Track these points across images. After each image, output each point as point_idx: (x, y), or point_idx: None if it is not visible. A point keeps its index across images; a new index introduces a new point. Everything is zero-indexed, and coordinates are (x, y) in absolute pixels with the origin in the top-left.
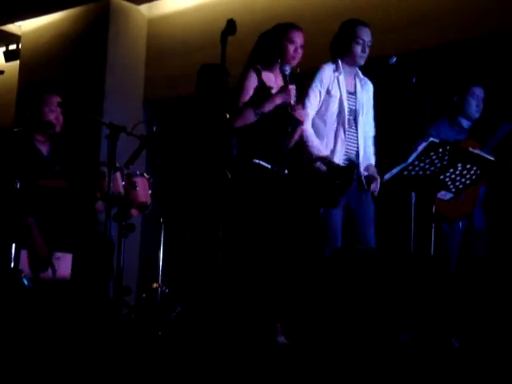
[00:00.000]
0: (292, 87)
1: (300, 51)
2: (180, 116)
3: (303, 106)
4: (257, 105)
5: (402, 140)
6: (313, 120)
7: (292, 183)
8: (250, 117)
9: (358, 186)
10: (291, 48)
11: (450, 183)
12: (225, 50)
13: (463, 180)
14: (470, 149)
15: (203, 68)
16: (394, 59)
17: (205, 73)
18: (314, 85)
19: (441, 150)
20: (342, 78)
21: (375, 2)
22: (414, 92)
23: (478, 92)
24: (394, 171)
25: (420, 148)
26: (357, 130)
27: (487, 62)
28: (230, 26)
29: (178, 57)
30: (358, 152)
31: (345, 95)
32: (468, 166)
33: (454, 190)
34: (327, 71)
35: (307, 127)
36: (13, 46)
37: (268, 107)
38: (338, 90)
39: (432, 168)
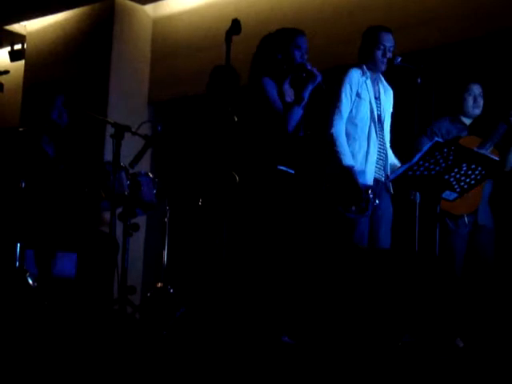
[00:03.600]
0: (315, 69)
1: (306, 57)
2: (189, 116)
3: (337, 111)
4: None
5: (407, 140)
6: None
7: (316, 186)
8: (299, 111)
9: (382, 187)
10: (298, 55)
11: (454, 183)
12: (229, 49)
13: (468, 180)
14: (475, 149)
15: (215, 69)
16: (399, 59)
17: (216, 74)
18: (344, 89)
19: (445, 149)
20: (369, 82)
21: (379, 2)
22: (419, 92)
23: (475, 88)
24: (399, 171)
25: (425, 148)
26: (383, 133)
27: (491, 61)
28: (235, 25)
29: (183, 56)
30: (386, 155)
31: (373, 98)
32: (473, 166)
33: (458, 189)
34: (355, 75)
35: (340, 132)
36: (18, 46)
37: (305, 95)
38: (367, 94)
39: (437, 168)
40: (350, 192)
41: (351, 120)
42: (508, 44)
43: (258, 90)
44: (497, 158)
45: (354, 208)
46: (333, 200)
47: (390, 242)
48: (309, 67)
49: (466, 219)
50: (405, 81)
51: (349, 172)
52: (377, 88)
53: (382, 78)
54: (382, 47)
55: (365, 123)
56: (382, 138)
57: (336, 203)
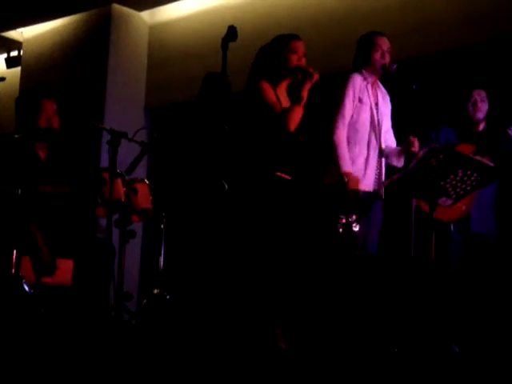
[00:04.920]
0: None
1: (303, 60)
2: (181, 123)
3: (340, 115)
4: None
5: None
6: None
7: (314, 192)
8: (300, 111)
9: (374, 194)
10: (294, 58)
11: (450, 189)
12: (226, 56)
13: (464, 186)
14: (471, 155)
15: (207, 76)
16: (395, 66)
17: (208, 81)
18: (347, 94)
19: (441, 156)
20: (369, 87)
21: (376, 8)
22: (415, 99)
23: (475, 94)
24: (395, 177)
25: (420, 154)
26: (381, 140)
27: (489, 68)
28: (231, 32)
29: (180, 63)
30: (381, 162)
31: (373, 104)
32: (468, 173)
33: (454, 196)
34: (358, 80)
35: (342, 138)
36: (14, 53)
37: (305, 94)
38: (368, 99)
39: (432, 174)
40: (348, 199)
41: (352, 125)
42: (507, 50)
43: (257, 94)
44: (492, 164)
45: (354, 217)
46: (332, 207)
47: (376, 248)
48: (305, 67)
49: (452, 227)
50: (400, 87)
51: (346, 178)
52: (375, 93)
53: (380, 84)
54: (379, 49)
55: (365, 128)
56: (380, 144)
57: (337, 211)
